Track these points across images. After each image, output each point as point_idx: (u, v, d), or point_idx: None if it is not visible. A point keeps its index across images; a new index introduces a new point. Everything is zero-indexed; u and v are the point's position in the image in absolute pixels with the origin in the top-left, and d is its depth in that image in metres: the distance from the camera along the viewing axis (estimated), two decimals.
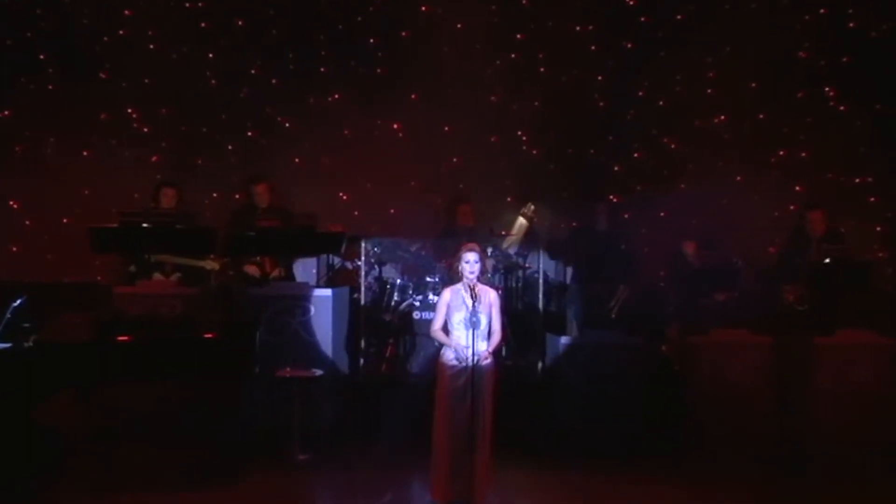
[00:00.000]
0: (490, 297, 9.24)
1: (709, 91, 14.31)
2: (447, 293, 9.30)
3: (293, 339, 11.63)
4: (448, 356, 9.15)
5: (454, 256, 9.48)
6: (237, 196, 13.95)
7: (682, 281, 12.67)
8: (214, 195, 14.23)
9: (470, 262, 9.22)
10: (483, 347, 9.11)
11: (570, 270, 13.57)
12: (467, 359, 9.03)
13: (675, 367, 11.86)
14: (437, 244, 12.98)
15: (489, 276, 11.41)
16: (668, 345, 12.16)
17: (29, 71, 14.13)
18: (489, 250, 12.62)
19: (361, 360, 12.61)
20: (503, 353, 12.53)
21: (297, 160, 14.38)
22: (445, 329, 9.23)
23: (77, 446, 10.16)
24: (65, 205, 13.87)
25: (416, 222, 13.74)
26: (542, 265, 13.30)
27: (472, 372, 8.97)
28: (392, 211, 14.40)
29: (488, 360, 9.14)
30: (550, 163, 14.60)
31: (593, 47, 14.48)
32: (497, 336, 9.25)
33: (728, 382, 11.35)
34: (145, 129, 14.33)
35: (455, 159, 14.53)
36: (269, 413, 11.05)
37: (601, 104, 14.43)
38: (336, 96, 14.50)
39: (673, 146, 14.43)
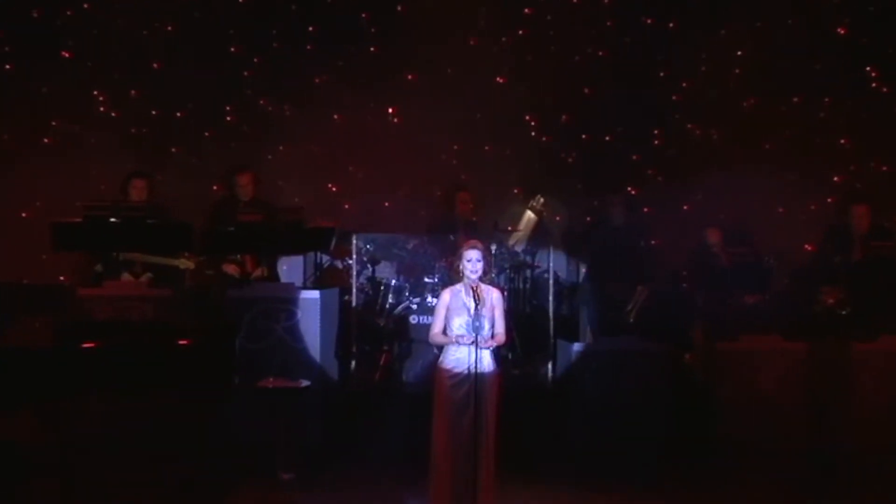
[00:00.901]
0: (493, 298, 9.29)
1: (737, 71, 14.36)
2: (446, 295, 9.33)
3: (277, 345, 11.67)
4: (448, 362, 9.18)
5: (454, 254, 9.53)
6: (215, 188, 14.00)
7: (706, 276, 12.69)
8: (190, 187, 14.27)
9: (472, 260, 9.25)
10: (486, 355, 9.16)
11: (583, 270, 13.62)
12: (469, 366, 9.06)
13: (700, 377, 11.89)
14: (436, 240, 13.02)
15: (493, 276, 11.46)
16: (692, 352, 12.19)
17: None
18: (493, 248, 12.67)
19: (353, 369, 12.67)
20: (510, 357, 12.61)
21: (281, 148, 14.42)
22: (444, 335, 9.27)
23: (41, 464, 10.18)
24: (23, 198, 13.88)
25: (413, 217, 13.79)
26: (552, 264, 13.37)
27: (475, 380, 9.02)
28: (387, 204, 14.43)
29: (490, 368, 9.17)
30: (562, 151, 14.65)
31: (609, 23, 14.51)
32: (500, 338, 9.28)
33: (759, 394, 11.37)
34: (113, 114, 14.36)
35: (456, 146, 14.56)
36: (250, 428, 11.07)
37: (618, 86, 14.46)
38: (324, 77, 14.53)
39: (698, 132, 14.47)
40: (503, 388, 9.31)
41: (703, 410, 11.47)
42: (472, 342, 9.04)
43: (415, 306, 12.81)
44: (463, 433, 9.07)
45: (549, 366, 12.80)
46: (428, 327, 9.59)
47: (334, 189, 14.52)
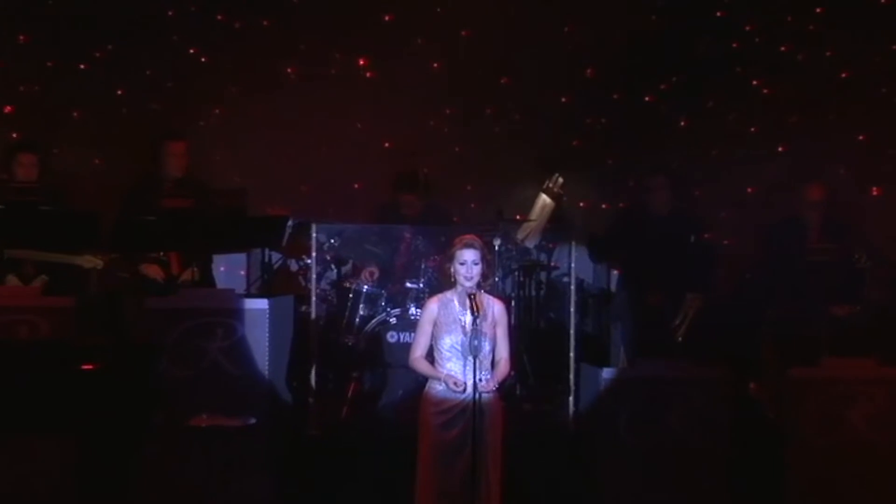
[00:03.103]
0: (495, 312, 9.31)
1: (817, 10, 14.37)
2: (434, 305, 9.35)
3: (212, 371, 11.67)
4: (436, 393, 9.20)
5: (445, 253, 9.54)
6: (132, 164, 13.95)
7: (791, 254, 12.69)
8: (97, 162, 14.27)
9: (467, 263, 9.25)
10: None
11: (615, 272, 13.63)
12: (464, 398, 9.08)
13: (769, 413, 11.91)
14: (423, 232, 13.03)
15: (495, 281, 11.43)
16: (759, 380, 12.21)
17: None
18: (497, 243, 12.66)
19: (312, 402, 12.67)
20: (518, 391, 12.61)
21: (217, 111, 14.42)
22: (431, 357, 9.28)
23: None
24: None
25: (390, 202, 13.78)
26: (573, 264, 13.34)
27: (472, 416, 9.02)
28: (357, 186, 14.44)
29: (490, 395, 9.19)
30: (587, 116, 14.65)
31: None
32: (504, 366, 9.30)
33: (848, 435, 11.37)
34: None
35: (448, 110, 14.57)
36: (177, 479, 11.09)
37: (661, 31, 14.46)
38: (274, 19, 14.52)
39: (765, 91, 14.47)
40: (507, 423, 9.32)
41: (774, 456, 11.47)
42: (466, 389, 9.06)
43: (393, 320, 12.78)
44: (456, 485, 9.10)
45: (571, 399, 12.79)
46: (410, 348, 9.58)
47: (287, 166, 14.50)
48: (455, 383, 9.11)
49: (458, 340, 9.17)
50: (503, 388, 9.48)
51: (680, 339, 12.73)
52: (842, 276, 12.53)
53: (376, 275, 13.06)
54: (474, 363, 9.09)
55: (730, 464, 11.40)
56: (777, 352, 12.29)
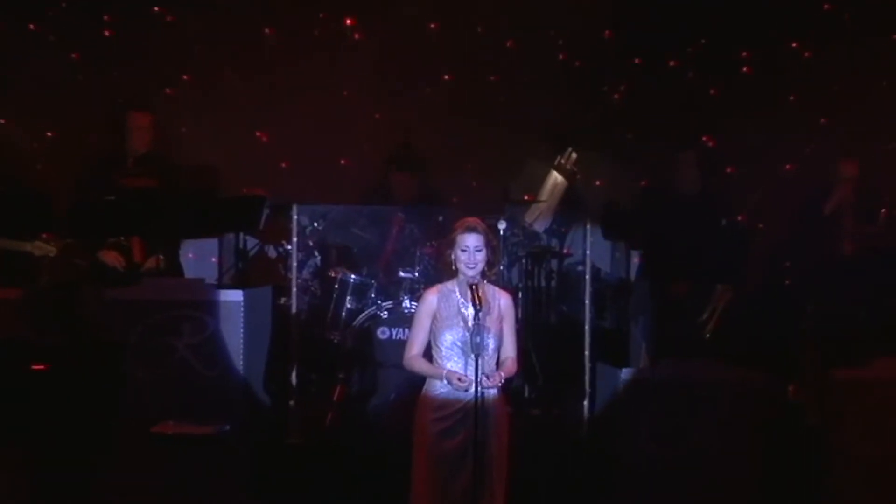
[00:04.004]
0: (500, 305, 9.27)
1: None
2: (432, 297, 9.30)
3: (180, 372, 11.66)
4: (436, 395, 9.16)
5: (444, 238, 9.51)
6: (89, 138, 13.93)
7: (821, 250, 12.69)
8: (49, 135, 14.25)
9: (469, 249, 9.21)
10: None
11: (635, 260, 13.61)
12: (467, 399, 9.05)
13: (810, 419, 11.89)
14: (418, 214, 13.03)
15: (501, 269, 11.41)
16: (798, 382, 12.19)
17: None
18: (502, 227, 12.65)
19: (293, 407, 12.66)
20: (525, 394, 12.60)
21: (185, 77, 14.40)
22: (427, 356, 9.25)
23: None
24: None
25: (379, 184, 13.77)
26: (589, 251, 13.33)
27: (475, 423, 8.99)
28: (343, 162, 14.43)
29: (495, 396, 9.16)
30: (603, 83, 14.63)
31: None
32: (510, 366, 9.27)
33: None
34: None
35: (447, 76, 14.56)
36: (141, 494, 11.08)
37: None
38: None
39: (805, 55, 14.46)
40: (513, 429, 9.30)
41: (816, 468, 11.46)
42: (469, 386, 9.02)
43: (385, 314, 12.77)
44: (456, 500, 9.06)
45: (585, 403, 12.79)
46: (403, 345, 9.54)
47: (264, 139, 14.50)
48: (459, 379, 9.06)
49: (459, 336, 9.11)
50: (509, 390, 9.44)
51: (708, 335, 12.73)
52: (888, 265, 12.53)
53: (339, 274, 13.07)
54: (476, 362, 9.04)
55: (764, 477, 11.39)
56: (819, 350, 12.26)
